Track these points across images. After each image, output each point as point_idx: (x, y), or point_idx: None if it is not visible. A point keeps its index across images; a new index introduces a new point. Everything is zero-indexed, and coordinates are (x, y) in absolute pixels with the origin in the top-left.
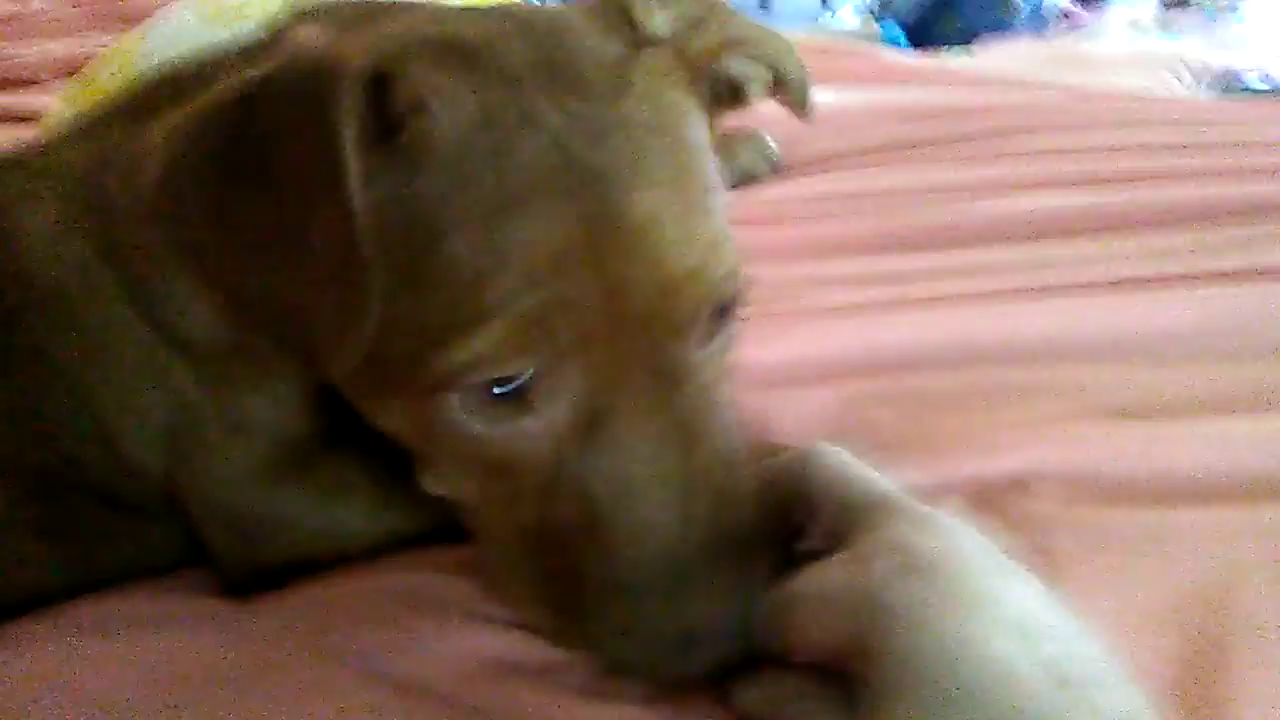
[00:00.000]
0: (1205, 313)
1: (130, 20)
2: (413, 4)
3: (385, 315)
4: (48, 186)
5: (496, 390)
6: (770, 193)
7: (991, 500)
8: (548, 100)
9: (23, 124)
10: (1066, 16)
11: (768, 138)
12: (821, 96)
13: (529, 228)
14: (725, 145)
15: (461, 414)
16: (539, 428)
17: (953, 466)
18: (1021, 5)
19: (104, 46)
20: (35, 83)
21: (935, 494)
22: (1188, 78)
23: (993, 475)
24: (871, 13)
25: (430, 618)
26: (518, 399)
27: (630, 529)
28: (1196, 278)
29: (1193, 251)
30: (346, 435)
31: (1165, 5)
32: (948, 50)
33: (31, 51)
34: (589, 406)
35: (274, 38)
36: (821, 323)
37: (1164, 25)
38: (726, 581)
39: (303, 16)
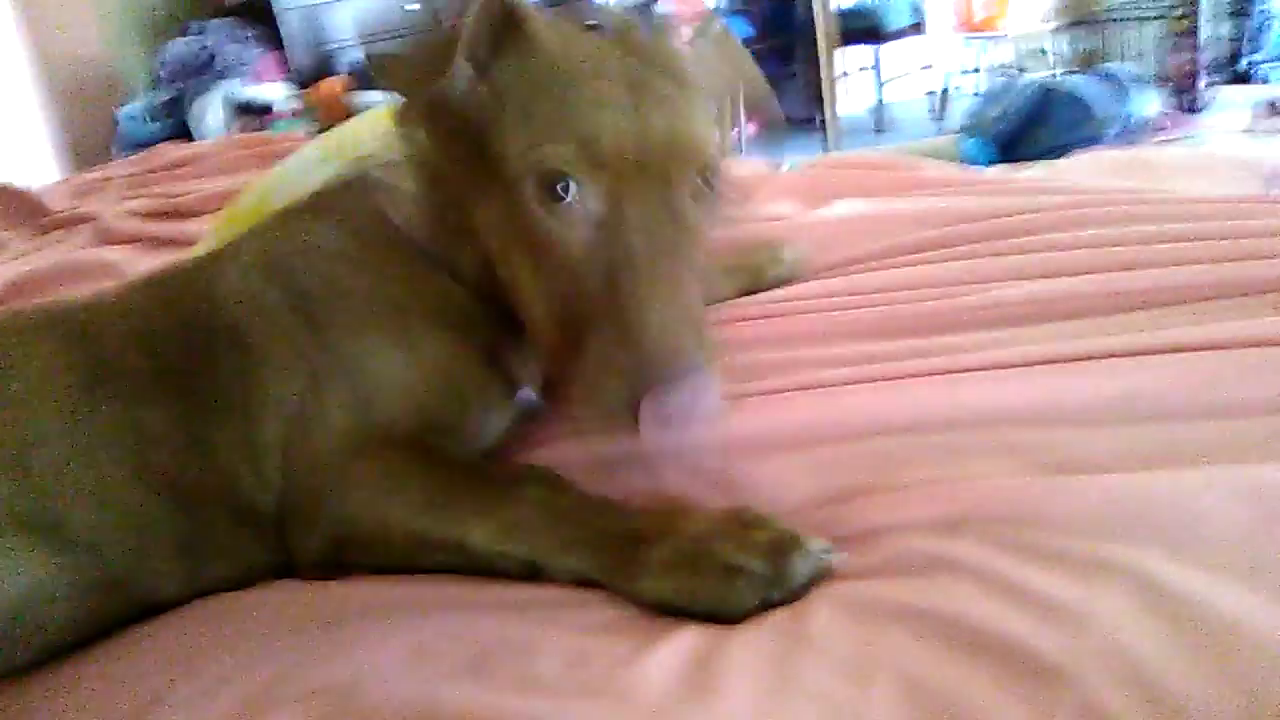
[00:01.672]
0: (1136, 382)
1: (276, 158)
2: None
3: (503, 128)
4: (233, 268)
5: (559, 190)
6: (788, 291)
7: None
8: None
9: (184, 249)
10: (1159, 128)
11: (788, 246)
12: (853, 207)
13: (598, 93)
14: (751, 251)
15: (533, 201)
16: (580, 220)
17: (905, 511)
18: (1111, 117)
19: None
20: (197, 214)
21: (892, 532)
22: (1258, 179)
23: (938, 518)
24: (961, 130)
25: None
26: (569, 201)
27: (633, 293)
28: (1142, 352)
29: (1140, 329)
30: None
31: (1258, 112)
32: (1030, 164)
33: (195, 188)
34: (614, 213)
35: None
36: (802, 398)
37: (1258, 131)
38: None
39: None
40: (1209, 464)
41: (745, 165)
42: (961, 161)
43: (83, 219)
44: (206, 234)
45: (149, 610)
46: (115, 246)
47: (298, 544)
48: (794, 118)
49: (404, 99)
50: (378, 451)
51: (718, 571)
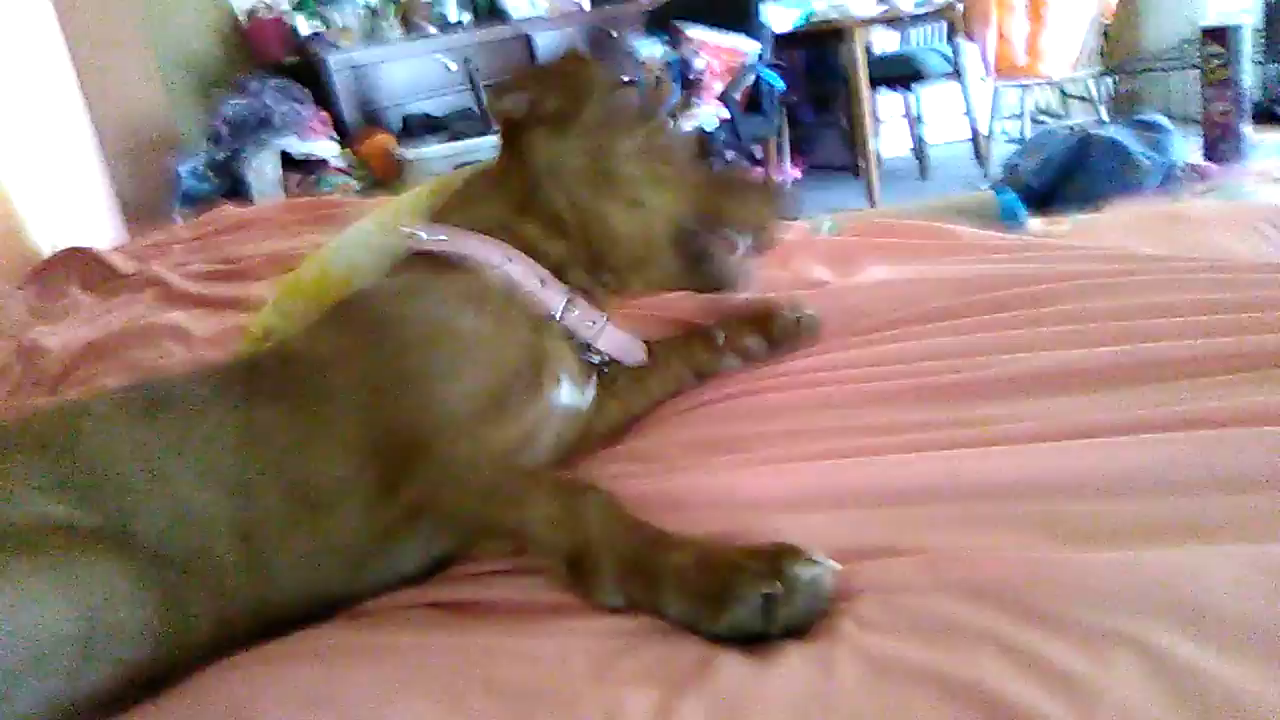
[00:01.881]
0: (1156, 453)
1: (328, 219)
2: None
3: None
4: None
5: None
6: (816, 359)
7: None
8: None
9: (241, 310)
10: (1197, 173)
11: (807, 307)
12: (884, 274)
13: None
14: (767, 310)
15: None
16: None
17: (927, 574)
18: (1149, 166)
19: (307, 242)
20: (252, 275)
21: (915, 593)
22: None
23: (958, 583)
24: (993, 186)
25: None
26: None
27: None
28: (1163, 424)
29: (1163, 401)
30: None
31: None
32: (1067, 216)
33: (250, 250)
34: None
35: None
36: (828, 463)
37: None
38: None
39: None
40: (1226, 538)
41: (783, 229)
42: (999, 214)
43: (148, 281)
44: (266, 297)
45: (215, 626)
46: (178, 309)
47: (377, 507)
48: (833, 165)
49: (530, 123)
50: (458, 439)
51: (722, 570)
